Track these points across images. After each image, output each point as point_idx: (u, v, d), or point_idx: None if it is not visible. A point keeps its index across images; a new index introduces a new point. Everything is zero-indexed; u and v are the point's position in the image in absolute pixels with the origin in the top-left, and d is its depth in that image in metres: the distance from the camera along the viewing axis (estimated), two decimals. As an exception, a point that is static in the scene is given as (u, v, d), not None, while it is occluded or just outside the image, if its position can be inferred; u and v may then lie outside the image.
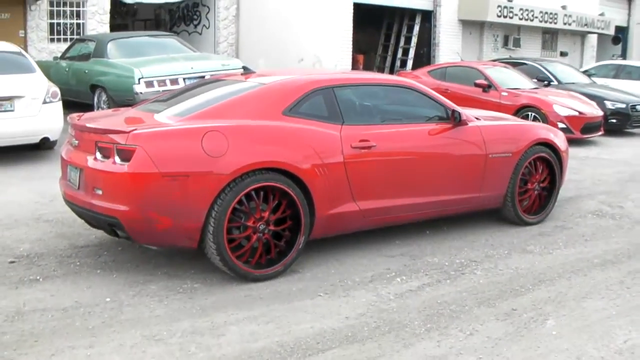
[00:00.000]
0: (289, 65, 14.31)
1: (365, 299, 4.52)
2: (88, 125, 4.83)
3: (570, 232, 6.24)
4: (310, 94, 5.14)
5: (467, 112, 6.04)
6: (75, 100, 11.16)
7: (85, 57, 11.25)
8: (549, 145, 6.40)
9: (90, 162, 4.66)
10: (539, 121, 10.93)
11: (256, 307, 4.34)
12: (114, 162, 4.48)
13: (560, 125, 10.79)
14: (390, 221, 5.53)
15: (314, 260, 5.19)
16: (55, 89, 7.97)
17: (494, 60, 14.79)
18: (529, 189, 6.32)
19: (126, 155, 4.45)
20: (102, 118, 5.28)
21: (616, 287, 4.85)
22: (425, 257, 5.37)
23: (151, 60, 10.07)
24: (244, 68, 6.00)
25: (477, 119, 6.06)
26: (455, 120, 5.67)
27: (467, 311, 4.35)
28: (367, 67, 15.21)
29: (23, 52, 8.46)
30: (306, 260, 5.15)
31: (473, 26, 18.52)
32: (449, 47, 16.70)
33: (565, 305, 4.47)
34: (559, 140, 6.57)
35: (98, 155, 4.62)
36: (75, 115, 5.40)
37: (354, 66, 14.58)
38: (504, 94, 11.54)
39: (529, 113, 11.20)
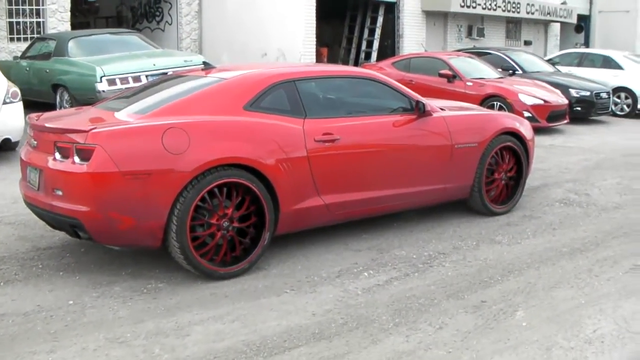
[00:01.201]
0: (253, 60, 14.17)
1: (332, 294, 4.45)
2: (47, 125, 4.68)
3: (538, 221, 6.26)
4: (271, 88, 5.04)
5: (431, 103, 6.02)
6: (37, 100, 10.87)
7: (46, 56, 10.97)
8: (515, 134, 6.39)
9: (50, 162, 4.52)
10: (505, 110, 11.01)
11: (222, 305, 4.25)
12: (74, 162, 4.34)
13: (526, 114, 10.86)
14: (357, 215, 5.47)
15: (280, 256, 5.11)
16: (15, 89, 7.76)
17: (459, 51, 14.83)
18: (496, 178, 6.30)
19: (85, 154, 4.31)
20: (61, 117, 5.12)
21: (585, 275, 4.87)
22: (393, 251, 5.33)
23: (113, 58, 9.85)
24: (205, 63, 5.86)
25: (442, 109, 6.06)
26: (420, 111, 5.61)
27: (436, 304, 4.31)
28: (332, 60, 15.12)
29: None
30: (272, 256, 5.07)
31: (437, 17, 18.55)
32: (414, 38, 16.70)
33: (534, 296, 4.47)
34: (525, 129, 6.58)
35: (57, 155, 4.48)
36: (34, 115, 5.22)
37: (318, 59, 14.48)
38: (469, 84, 11.55)
39: (495, 102, 11.25)
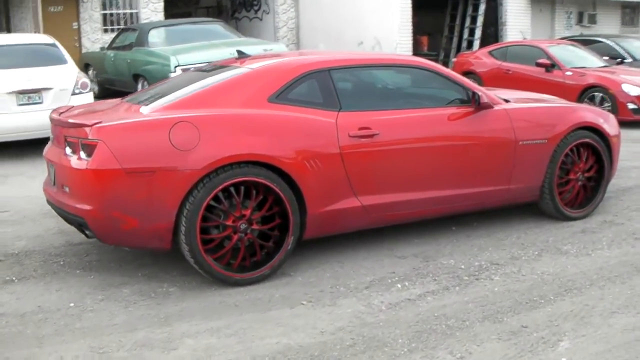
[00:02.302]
0: (349, 49, 13.65)
1: (352, 309, 3.86)
2: (57, 118, 4.42)
3: (619, 229, 5.30)
4: (302, 78, 4.48)
5: (495, 94, 5.21)
6: (123, 90, 10.88)
7: (128, 46, 11.01)
8: (595, 129, 5.46)
9: (61, 157, 4.25)
10: (607, 103, 9.81)
11: (226, 316, 3.79)
12: (80, 158, 4.02)
13: (630, 105, 9.59)
14: (401, 218, 4.80)
15: (312, 261, 4.57)
16: (86, 80, 7.72)
17: (564, 38, 13.50)
18: (571, 179, 5.40)
19: (90, 150, 3.97)
20: (82, 110, 4.85)
21: (658, 299, 4.01)
22: (441, 259, 4.63)
23: (189, 48, 9.67)
24: (239, 52, 5.39)
25: (506, 101, 5.26)
26: (476, 103, 4.88)
27: (467, 327, 3.62)
28: (433, 49, 14.26)
29: (57, 43, 8.26)
30: (303, 261, 4.55)
31: (543, 3, 17.01)
32: (517, 25, 15.36)
33: (588, 322, 3.65)
34: (608, 124, 5.58)
35: (67, 150, 4.18)
36: (63, 107, 5.03)
37: (418, 48, 13.69)
38: (568, 73, 10.33)
39: (595, 94, 10.00)
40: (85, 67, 12.79)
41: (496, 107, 5.00)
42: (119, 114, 4.42)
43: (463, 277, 4.33)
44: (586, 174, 5.46)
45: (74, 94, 7.52)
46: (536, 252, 4.75)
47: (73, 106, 4.98)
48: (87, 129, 4.00)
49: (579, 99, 9.89)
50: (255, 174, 4.11)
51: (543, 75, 10.54)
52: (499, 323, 3.65)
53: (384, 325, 3.65)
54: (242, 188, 4.13)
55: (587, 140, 5.37)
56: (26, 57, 7.57)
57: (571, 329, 3.57)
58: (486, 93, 5.00)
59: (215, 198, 4.06)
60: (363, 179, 4.49)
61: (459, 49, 14.97)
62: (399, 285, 4.20)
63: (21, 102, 7.16)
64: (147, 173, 3.92)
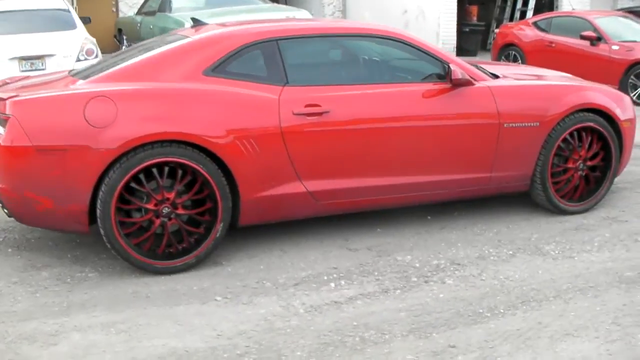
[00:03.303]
0: (392, 19, 12.82)
1: (266, 310, 3.34)
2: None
3: (621, 227, 4.47)
4: (244, 49, 3.92)
5: (483, 69, 4.49)
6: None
7: (152, 12, 10.62)
8: (602, 112, 4.65)
9: (-18, 133, 3.96)
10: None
11: (131, 308, 3.36)
12: (-2, 134, 3.72)
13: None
14: (357, 207, 4.19)
15: (253, 249, 4.06)
16: (92, 46, 7.40)
17: (621, 9, 12.07)
18: (570, 168, 4.59)
19: (4, 125, 3.65)
20: (23, 83, 4.43)
21: (628, 320, 3.21)
22: (397, 254, 4.02)
23: (209, 13, 9.20)
24: (194, 20, 4.84)
25: (495, 77, 4.53)
26: (450, 78, 4.19)
27: (383, 342, 3.02)
28: (484, 19, 13.15)
29: (70, 9, 8.00)
30: (244, 248, 4.06)
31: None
32: None
33: (530, 346, 2.97)
34: (619, 106, 4.69)
35: (-8, 124, 3.90)
36: (11, 78, 4.70)
37: (466, 18, 12.68)
38: (615, 47, 9.09)
39: (644, 70, 8.80)
40: (119, 33, 12.58)
41: (478, 84, 4.26)
42: (46, 87, 4.03)
43: (411, 278, 3.72)
44: (589, 163, 4.65)
45: (78, 60, 7.22)
46: (510, 252, 4.06)
47: (25, 77, 4.66)
48: (2, 103, 3.65)
49: (625, 76, 8.73)
50: (179, 155, 3.62)
51: (588, 48, 9.36)
52: (424, 339, 3.05)
53: (290, 333, 3.13)
54: (167, 169, 3.71)
55: (590, 124, 4.54)
56: (34, 22, 7.35)
57: (506, 354, 2.91)
58: (466, 67, 4.27)
59: (138, 180, 3.67)
60: (309, 162, 3.92)
61: (511, 19, 13.75)
62: (333, 284, 3.64)
63: (24, 69, 6.96)
64: (58, 151, 3.51)
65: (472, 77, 4.24)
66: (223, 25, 4.49)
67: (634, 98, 8.74)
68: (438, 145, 4.18)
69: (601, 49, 9.12)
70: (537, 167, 4.46)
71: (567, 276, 3.72)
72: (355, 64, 4.34)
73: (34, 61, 7.01)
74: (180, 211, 3.72)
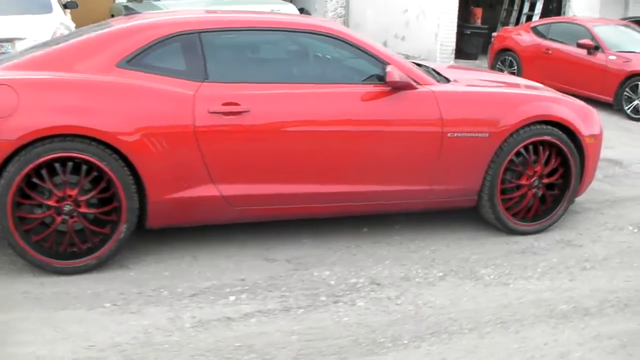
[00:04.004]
0: (394, 17, 12.35)
1: (151, 321, 3.00)
2: None
3: (572, 253, 4.01)
4: (163, 41, 3.56)
5: (430, 72, 4.11)
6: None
7: (140, -2, 10.36)
8: (562, 125, 4.21)
9: None
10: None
11: (16, 309, 3.08)
12: None
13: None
14: (278, 215, 3.81)
15: (164, 253, 3.71)
16: (65, 32, 7.15)
17: (626, 19, 11.34)
18: (523, 185, 4.17)
19: None
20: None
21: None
22: (315, 268, 3.63)
23: (192, 3, 8.84)
24: (126, 8, 4.53)
25: (447, 80, 4.11)
26: (384, 80, 3.74)
27: (253, 371, 2.72)
28: (490, 22, 12.48)
29: None
30: (155, 251, 3.71)
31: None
32: (583, 1, 13.21)
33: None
34: (582, 120, 4.22)
35: None
36: None
37: (469, 20, 12.07)
38: (612, 57, 8.47)
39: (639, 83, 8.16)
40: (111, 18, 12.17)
41: (421, 88, 3.87)
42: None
43: (320, 297, 3.34)
44: (545, 180, 4.21)
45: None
46: (440, 274, 3.65)
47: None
48: None
49: (620, 88, 8.13)
50: (80, 150, 3.29)
51: (584, 57, 8.74)
52: (297, 371, 2.72)
53: (166, 349, 2.77)
54: (71, 165, 3.36)
55: (547, 138, 4.09)
56: (7, 4, 7.09)
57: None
58: (409, 70, 3.85)
59: (34, 174, 3.33)
60: (224, 165, 3.56)
61: (517, 24, 13.08)
62: (233, 298, 3.29)
63: (-7, 52, 6.75)
64: (-48, 142, 3.24)
65: (414, 80, 3.82)
66: (155, 15, 4.15)
67: (629, 112, 8.18)
68: (371, 153, 3.77)
69: (598, 58, 8.53)
70: (486, 181, 4.02)
71: (493, 306, 3.30)
72: (284, 61, 3.96)
73: (3, 44, 6.77)
74: (83, 209, 3.42)
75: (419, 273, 3.63)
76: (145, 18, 3.89)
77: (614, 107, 8.49)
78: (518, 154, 4.08)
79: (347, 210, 3.91)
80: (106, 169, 3.34)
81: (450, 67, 5.50)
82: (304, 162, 3.68)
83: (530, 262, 3.84)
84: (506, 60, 9.50)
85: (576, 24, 8.95)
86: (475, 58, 10.72)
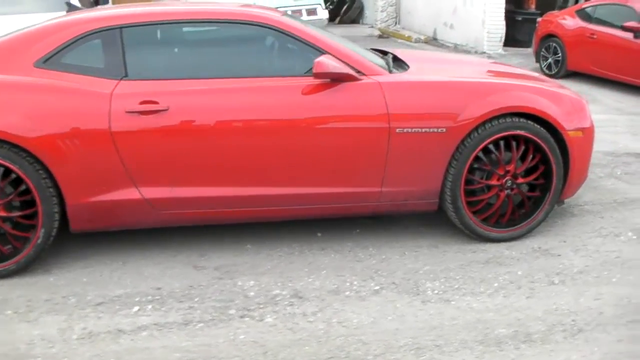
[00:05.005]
0: (441, 4, 11.51)
1: (42, 331, 2.78)
2: None
3: (545, 263, 3.38)
4: (81, 39, 3.32)
5: (383, 61, 3.65)
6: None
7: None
8: (539, 118, 3.56)
9: None
10: None
11: None
12: None
13: None
14: (209, 219, 3.47)
15: (96, 258, 3.46)
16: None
17: None
18: (493, 186, 3.61)
19: None
20: None
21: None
22: (242, 278, 3.25)
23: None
24: (68, 4, 4.28)
25: (403, 68, 3.63)
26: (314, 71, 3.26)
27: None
28: (548, 7, 11.31)
29: None
30: (86, 257, 3.47)
31: None
32: None
33: None
34: (566, 113, 3.58)
35: None
36: None
37: (523, 6, 10.98)
38: None
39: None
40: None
41: (366, 79, 3.40)
42: None
43: (230, 310, 2.98)
44: (522, 180, 3.58)
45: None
46: (377, 287, 3.15)
47: None
48: None
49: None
50: (-12, 153, 3.17)
51: (631, 41, 7.59)
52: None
53: (27, 366, 2.59)
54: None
55: (521, 132, 3.48)
56: (29, 2, 7.09)
57: None
58: (352, 58, 3.39)
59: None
60: (145, 166, 3.27)
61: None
62: (137, 308, 2.99)
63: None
64: None
65: (357, 71, 3.36)
66: (86, 12, 3.91)
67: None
68: (308, 152, 3.35)
69: None
70: (447, 182, 3.50)
71: (418, 327, 2.81)
72: (212, 54, 3.55)
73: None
74: (2, 213, 3.27)
75: (353, 285, 3.18)
76: (65, 17, 3.67)
77: (661, 96, 7.42)
78: (487, 151, 3.55)
79: (287, 214, 3.51)
80: (19, 172, 3.16)
81: (436, 57, 4.94)
82: (232, 163, 3.32)
83: (490, 275, 3.28)
84: (550, 47, 8.56)
85: (622, 4, 7.85)
86: (527, 46, 9.79)
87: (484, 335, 2.74)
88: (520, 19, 10.53)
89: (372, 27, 14.20)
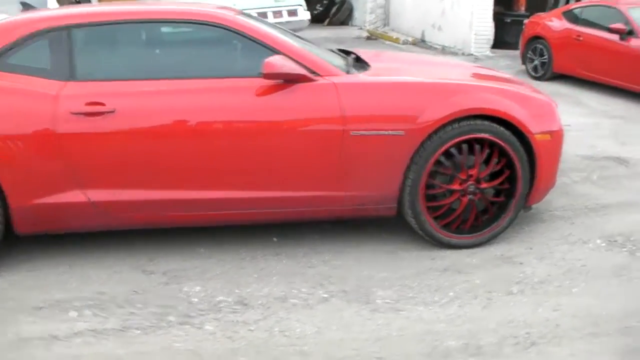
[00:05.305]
0: (429, 5, 11.33)
1: (-38, 342, 2.73)
2: None
3: (506, 272, 3.21)
4: (28, 39, 3.18)
5: (344, 61, 3.52)
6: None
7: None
8: (506, 121, 3.40)
9: None
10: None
11: None
12: None
13: None
14: (161, 222, 3.33)
15: (46, 261, 3.32)
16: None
17: None
18: (455, 190, 3.45)
19: None
20: None
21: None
22: (189, 283, 3.10)
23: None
24: (23, 4, 4.16)
25: (363, 69, 3.49)
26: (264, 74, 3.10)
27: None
28: (539, 9, 11.08)
29: None
30: (36, 259, 3.33)
31: None
32: None
33: None
34: (533, 115, 3.41)
35: None
36: None
37: (513, 7, 10.77)
38: None
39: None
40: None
41: (320, 80, 3.25)
42: None
43: (171, 316, 2.84)
44: (485, 185, 3.43)
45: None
46: (325, 295, 2.98)
47: None
48: None
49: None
50: None
51: (618, 43, 7.42)
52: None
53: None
54: None
55: (484, 135, 3.33)
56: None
57: None
58: (307, 58, 3.24)
59: None
60: (91, 169, 3.14)
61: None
62: (75, 314, 2.85)
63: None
64: None
65: (311, 71, 3.22)
66: (43, 11, 3.81)
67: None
68: (262, 155, 3.21)
69: (632, 43, 7.26)
70: (406, 187, 3.35)
71: (364, 338, 2.67)
72: (161, 55, 3.42)
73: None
74: (-56, 213, 3.15)
75: (302, 293, 3.04)
76: (22, 15, 3.54)
77: (647, 99, 7.26)
78: (449, 154, 3.40)
79: (239, 218, 3.37)
80: (-41, 172, 3.06)
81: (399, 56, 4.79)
82: (181, 166, 3.18)
83: (447, 283, 3.14)
84: (537, 49, 8.40)
85: (609, 6, 7.67)
86: (516, 48, 9.58)
87: (432, 347, 2.61)
88: (509, 20, 10.36)
89: (360, 28, 14.07)
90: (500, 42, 10.34)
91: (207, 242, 3.56)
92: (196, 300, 2.99)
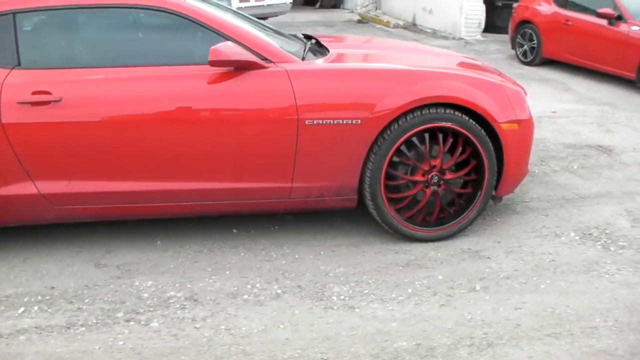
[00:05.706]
0: None
1: None
2: None
3: (471, 267, 3.09)
4: None
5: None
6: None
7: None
8: (467, 109, 3.26)
9: None
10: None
11: None
12: None
13: None
14: (113, 214, 3.20)
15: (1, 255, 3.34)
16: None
17: None
18: (418, 182, 3.32)
19: None
20: None
21: None
22: (142, 277, 3.00)
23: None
24: None
25: (322, 55, 3.36)
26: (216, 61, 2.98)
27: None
28: None
29: None
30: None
31: None
32: None
33: None
34: (498, 103, 3.26)
35: None
36: None
37: None
38: (635, 28, 6.89)
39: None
40: None
41: (273, 67, 3.11)
42: None
43: (118, 313, 2.73)
44: (450, 176, 3.29)
45: None
46: (279, 291, 2.87)
47: None
48: None
49: (641, 63, 6.71)
50: None
51: (605, 28, 7.19)
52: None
53: None
54: None
55: (447, 124, 3.19)
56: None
57: None
58: (258, 45, 3.10)
59: None
60: (40, 160, 3.02)
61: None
62: (22, 310, 2.75)
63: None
64: None
65: (263, 58, 3.07)
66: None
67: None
68: (214, 145, 3.07)
69: (620, 28, 7.04)
70: (365, 177, 3.23)
71: (312, 337, 2.56)
72: (110, 42, 3.25)
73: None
74: None
75: (255, 288, 2.93)
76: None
77: (636, 84, 6.98)
78: (411, 144, 3.26)
79: (194, 210, 3.24)
80: None
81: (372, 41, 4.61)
82: (131, 157, 3.05)
83: (407, 279, 3.02)
84: (526, 33, 8.19)
85: (598, -10, 7.47)
86: (506, 32, 9.41)
87: (381, 348, 2.49)
88: (500, 4, 10.13)
89: (352, 12, 13.84)
90: (492, 26, 10.13)
91: (165, 234, 3.44)
92: (146, 295, 2.88)
